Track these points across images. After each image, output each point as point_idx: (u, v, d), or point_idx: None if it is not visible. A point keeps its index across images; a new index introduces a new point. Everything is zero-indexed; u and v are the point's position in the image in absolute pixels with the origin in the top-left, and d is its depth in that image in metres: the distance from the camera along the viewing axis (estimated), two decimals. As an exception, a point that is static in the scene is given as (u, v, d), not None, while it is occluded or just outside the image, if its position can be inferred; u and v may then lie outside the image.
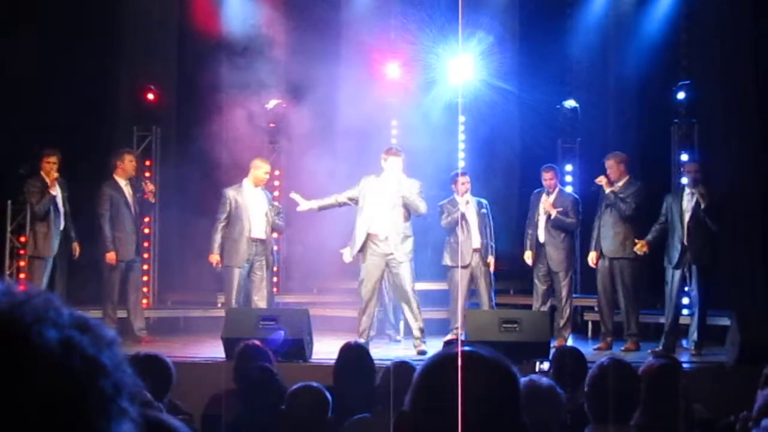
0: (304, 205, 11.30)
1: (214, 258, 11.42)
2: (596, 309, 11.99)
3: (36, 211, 11.44)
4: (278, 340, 9.35)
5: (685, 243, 11.19)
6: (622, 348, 11.30)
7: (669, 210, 11.39)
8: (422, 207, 10.97)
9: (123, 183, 12.03)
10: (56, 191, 11.66)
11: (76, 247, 11.82)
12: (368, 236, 10.88)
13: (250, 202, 11.51)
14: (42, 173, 11.61)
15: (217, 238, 11.42)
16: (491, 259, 12.01)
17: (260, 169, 11.62)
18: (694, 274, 11.27)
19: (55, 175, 11.55)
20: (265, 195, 11.74)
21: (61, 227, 11.69)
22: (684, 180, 11.81)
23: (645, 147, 13.89)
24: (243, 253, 11.40)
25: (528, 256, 12.04)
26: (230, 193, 11.52)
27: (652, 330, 12.79)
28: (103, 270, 11.87)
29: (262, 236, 11.52)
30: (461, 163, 13.68)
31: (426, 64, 13.19)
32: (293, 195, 11.38)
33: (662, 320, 12.91)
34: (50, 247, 11.55)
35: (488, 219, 12.10)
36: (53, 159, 11.59)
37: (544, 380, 5.04)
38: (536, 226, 12.00)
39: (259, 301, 11.40)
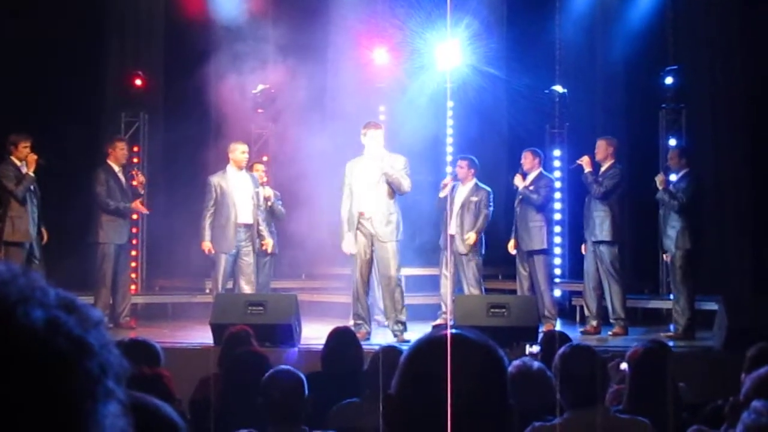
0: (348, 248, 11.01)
1: (206, 246, 11.37)
2: (582, 293, 12.00)
3: (18, 195, 11.32)
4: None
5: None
6: (610, 332, 11.33)
7: None
8: (405, 184, 10.69)
9: (117, 169, 11.99)
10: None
11: (44, 233, 11.70)
12: (357, 215, 10.73)
13: (235, 187, 11.48)
14: (13, 158, 11.46)
15: (206, 225, 11.39)
16: (469, 235, 11.93)
17: (236, 151, 11.61)
18: (670, 260, 11.37)
19: (35, 157, 11.42)
20: (251, 178, 11.72)
21: (37, 212, 11.58)
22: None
23: (633, 132, 13.91)
24: (231, 239, 11.37)
25: (511, 246, 12.09)
26: (214, 180, 11.49)
27: (639, 315, 12.83)
28: (97, 254, 11.83)
29: (249, 221, 11.50)
30: (449, 149, 13.68)
31: (414, 50, 13.17)
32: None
33: (651, 305, 13.01)
34: (27, 232, 11.44)
35: (479, 208, 12.02)
36: (29, 143, 11.46)
37: (536, 363, 5.06)
38: (515, 211, 12.09)
39: (246, 285, 11.38)
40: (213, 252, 11.38)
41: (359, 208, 10.72)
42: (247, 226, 11.49)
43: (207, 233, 11.38)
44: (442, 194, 11.85)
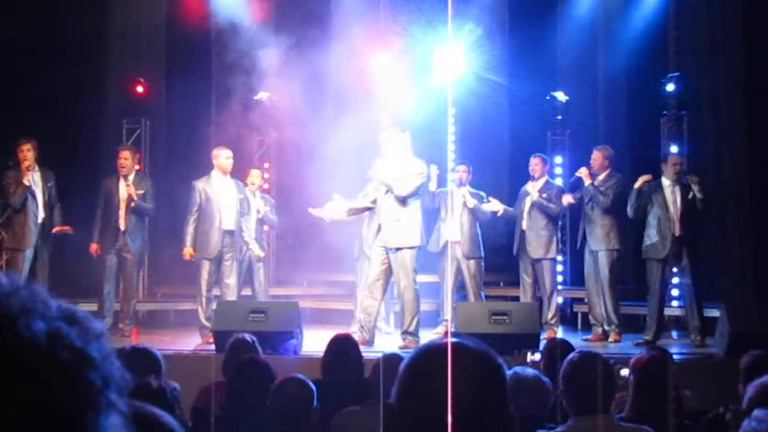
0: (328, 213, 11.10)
1: (188, 251, 11.29)
2: (585, 301, 12.00)
3: (12, 203, 11.33)
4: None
5: (677, 234, 11.22)
6: (608, 339, 11.34)
7: (646, 203, 11.36)
8: (397, 188, 10.47)
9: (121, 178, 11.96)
10: (30, 181, 11.45)
11: (58, 227, 11.63)
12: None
13: (220, 193, 11.39)
14: (18, 164, 11.46)
15: (190, 231, 11.30)
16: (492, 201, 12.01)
17: (220, 156, 11.53)
18: (688, 266, 11.28)
19: (28, 163, 11.38)
20: (235, 184, 11.65)
21: (40, 218, 11.57)
22: (671, 172, 11.65)
23: (634, 139, 13.92)
24: (214, 245, 11.27)
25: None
26: (199, 185, 11.42)
27: (641, 321, 12.80)
28: (99, 262, 11.81)
29: (232, 227, 11.42)
30: (451, 155, 13.67)
31: (416, 56, 13.17)
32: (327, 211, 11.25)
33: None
34: (28, 238, 11.43)
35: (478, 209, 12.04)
36: (26, 147, 11.38)
37: (529, 371, 5.05)
38: (521, 216, 12.02)
39: (227, 290, 11.31)
40: (193, 257, 11.33)
41: (378, 218, 10.71)
42: (230, 233, 11.40)
43: (189, 239, 11.29)
44: (432, 187, 11.81)
